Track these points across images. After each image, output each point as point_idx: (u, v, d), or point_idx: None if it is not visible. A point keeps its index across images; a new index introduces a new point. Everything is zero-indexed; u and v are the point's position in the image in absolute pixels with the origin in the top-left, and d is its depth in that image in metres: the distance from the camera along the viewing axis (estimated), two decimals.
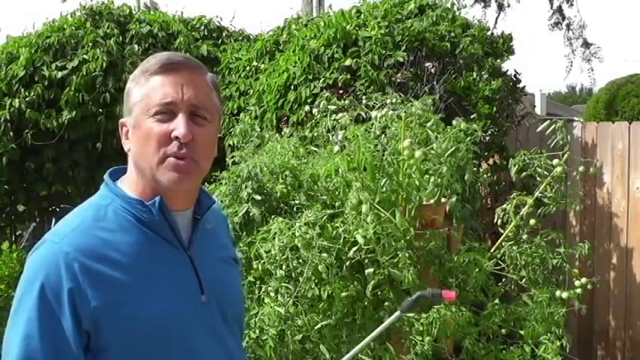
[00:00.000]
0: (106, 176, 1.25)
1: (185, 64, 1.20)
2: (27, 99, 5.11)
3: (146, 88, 1.18)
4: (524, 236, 3.07)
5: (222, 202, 2.96)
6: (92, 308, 1.07)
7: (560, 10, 11.08)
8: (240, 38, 6.21)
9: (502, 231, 3.18)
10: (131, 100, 1.20)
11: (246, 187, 2.85)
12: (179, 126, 1.14)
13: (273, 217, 2.73)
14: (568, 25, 11.05)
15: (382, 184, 2.67)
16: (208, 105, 1.21)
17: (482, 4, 11.14)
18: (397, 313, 2.14)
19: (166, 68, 1.18)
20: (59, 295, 1.07)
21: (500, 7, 11.21)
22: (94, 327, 1.08)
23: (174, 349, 1.14)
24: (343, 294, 2.45)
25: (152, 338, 1.12)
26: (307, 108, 3.88)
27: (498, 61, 4.21)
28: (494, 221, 3.18)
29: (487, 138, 3.74)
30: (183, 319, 1.16)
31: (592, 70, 11.00)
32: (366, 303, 2.57)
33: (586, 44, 10.92)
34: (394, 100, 3.20)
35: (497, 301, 2.88)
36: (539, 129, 3.28)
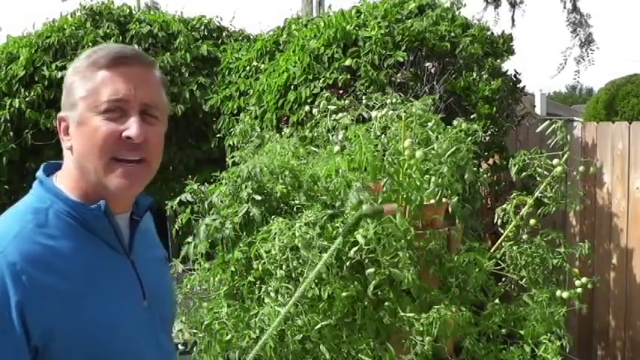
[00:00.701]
0: (40, 173, 1.14)
1: (138, 58, 1.12)
2: (27, 99, 5.11)
3: (93, 83, 1.08)
4: (525, 236, 3.07)
5: (222, 202, 2.96)
6: (42, 322, 0.99)
7: (575, 8, 11.02)
8: (240, 38, 6.21)
9: (502, 231, 3.18)
10: (75, 94, 1.10)
11: (246, 187, 2.85)
12: (131, 126, 1.08)
13: (273, 217, 2.73)
14: (586, 22, 11.01)
15: (383, 184, 2.67)
16: (159, 103, 1.16)
17: (494, 4, 11.12)
18: (338, 240, 2.08)
19: (117, 62, 1.09)
20: (6, 311, 0.97)
21: (513, 5, 11.18)
22: (43, 341, 1.00)
23: (121, 358, 1.10)
24: (343, 294, 2.45)
25: (101, 348, 1.06)
26: (307, 108, 3.89)
27: (498, 61, 4.22)
28: (494, 221, 3.18)
29: (487, 138, 3.74)
30: (129, 326, 1.12)
31: (578, 72, 10.97)
32: (366, 303, 2.57)
33: (587, 43, 10.89)
34: (394, 100, 3.20)
35: (497, 301, 2.88)
36: (539, 129, 3.28)
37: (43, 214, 1.07)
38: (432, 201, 2.86)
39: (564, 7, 11.06)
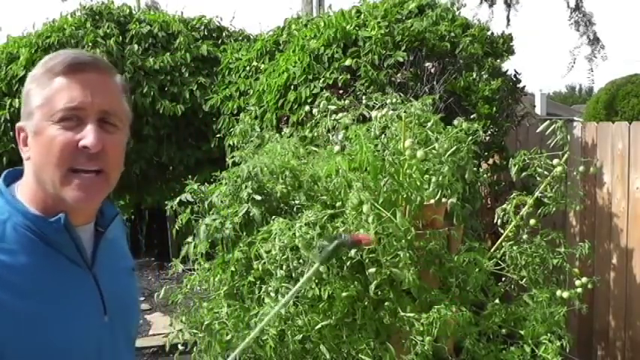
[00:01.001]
0: None
1: (94, 64, 1.07)
2: None
3: (49, 90, 1.04)
4: (525, 236, 3.07)
5: (222, 202, 2.96)
6: None
7: (577, 7, 11.04)
8: (240, 38, 6.22)
9: (502, 231, 3.18)
10: (31, 103, 1.05)
11: (246, 187, 2.85)
12: (88, 134, 1.02)
13: (273, 217, 2.73)
14: (590, 21, 11.02)
15: (383, 184, 2.67)
16: (119, 110, 1.09)
17: (489, 2, 11.14)
18: (316, 265, 2.09)
19: (73, 69, 1.04)
20: None
21: (508, 5, 11.20)
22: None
23: None
24: (343, 294, 2.45)
25: None
26: (307, 108, 3.89)
27: (498, 61, 4.22)
28: (494, 221, 3.18)
29: (487, 138, 3.74)
30: (86, 346, 1.07)
31: (592, 70, 10.98)
32: (366, 303, 2.57)
33: (595, 40, 10.89)
34: (394, 100, 3.20)
35: (497, 301, 2.88)
36: (539, 129, 3.28)
37: (1, 228, 1.02)
38: (432, 201, 2.86)
39: (568, 6, 11.08)
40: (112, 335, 1.14)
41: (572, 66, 11.14)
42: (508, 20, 11.26)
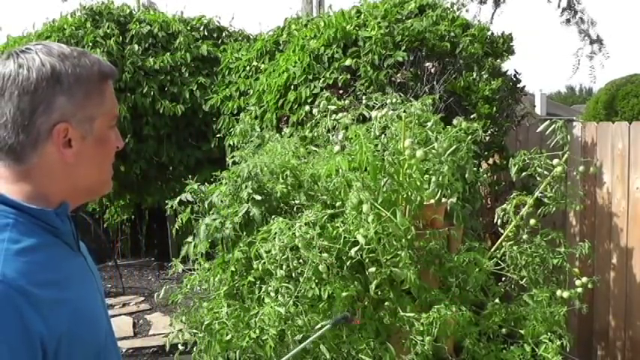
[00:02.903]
0: None
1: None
2: None
3: (107, 97, 1.08)
4: (525, 236, 3.07)
5: (222, 202, 2.96)
6: (54, 334, 0.96)
7: (570, 5, 11.07)
8: (240, 38, 6.22)
9: (502, 231, 3.18)
10: (94, 103, 1.06)
11: (246, 187, 2.85)
12: (119, 138, 1.13)
13: (273, 217, 2.73)
14: (582, 19, 11.05)
15: (383, 183, 2.67)
16: None
17: (479, 0, 11.17)
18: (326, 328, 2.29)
19: (113, 75, 1.11)
20: (28, 337, 0.93)
21: (497, 3, 11.23)
22: (54, 351, 0.97)
23: (105, 352, 1.11)
24: (343, 294, 2.45)
25: (94, 346, 1.07)
26: (307, 108, 3.89)
27: (498, 61, 4.22)
28: (494, 221, 3.18)
29: (487, 138, 3.74)
30: (104, 321, 1.13)
31: (593, 67, 10.97)
32: (366, 303, 2.57)
33: (598, 40, 10.91)
34: (394, 100, 3.20)
35: (497, 301, 2.88)
36: (539, 129, 3.28)
37: (15, 229, 1.01)
38: (432, 201, 2.86)
39: (559, 6, 11.11)
40: (105, 310, 1.19)
41: (577, 68, 11.15)
42: (492, 18, 11.29)
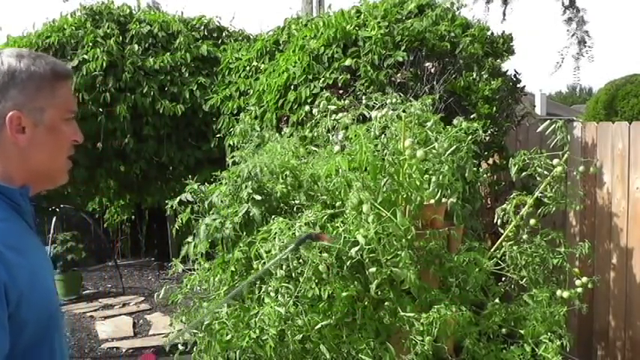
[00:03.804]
0: None
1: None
2: None
3: (62, 93, 1.25)
4: (525, 236, 3.07)
5: (222, 202, 2.96)
6: (15, 294, 1.11)
7: (572, 4, 11.05)
8: (240, 38, 6.22)
9: (502, 231, 3.18)
10: (44, 96, 1.23)
11: (246, 187, 2.85)
12: (77, 132, 1.29)
13: (273, 217, 2.73)
14: (583, 19, 11.03)
15: (383, 183, 2.67)
16: None
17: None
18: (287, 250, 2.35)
19: (70, 75, 1.30)
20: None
21: (505, 1, 11.21)
22: (13, 311, 1.12)
23: (54, 321, 1.25)
24: (343, 294, 2.45)
25: (46, 314, 1.20)
26: (307, 108, 3.89)
27: (498, 61, 4.22)
28: (494, 221, 3.18)
29: (487, 138, 3.74)
30: (55, 293, 1.29)
31: (578, 68, 10.98)
32: (366, 303, 2.57)
33: (583, 41, 10.91)
34: (394, 100, 3.20)
35: (497, 301, 2.88)
36: (539, 129, 3.28)
37: None
38: (432, 201, 2.86)
39: (562, 5, 11.08)
40: (57, 295, 1.35)
41: (560, 65, 11.14)
42: (504, 15, 11.28)
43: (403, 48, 3.98)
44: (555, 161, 3.05)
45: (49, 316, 1.22)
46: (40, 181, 1.28)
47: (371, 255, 2.45)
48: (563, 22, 11.11)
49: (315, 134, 3.48)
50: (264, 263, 2.56)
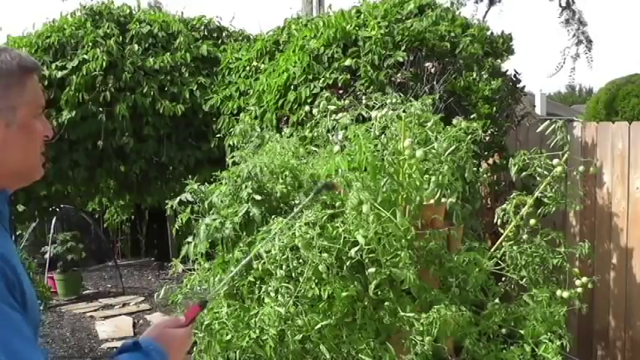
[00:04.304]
0: None
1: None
2: None
3: (32, 85, 1.19)
4: (525, 236, 3.07)
5: (222, 202, 2.96)
6: (24, 298, 1.11)
7: (568, 5, 11.05)
8: (240, 38, 6.21)
9: (502, 231, 3.18)
10: (15, 94, 1.17)
11: (246, 187, 2.85)
12: (47, 127, 1.24)
13: (273, 217, 2.73)
14: (580, 21, 11.03)
15: (383, 183, 2.67)
16: None
17: None
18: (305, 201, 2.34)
19: (37, 68, 1.22)
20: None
21: (492, 2, 11.23)
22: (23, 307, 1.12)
23: (37, 324, 1.22)
24: (343, 294, 2.45)
25: (33, 317, 1.17)
26: (307, 108, 3.89)
27: (498, 61, 4.22)
28: (494, 221, 3.18)
29: (487, 138, 3.74)
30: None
31: (574, 69, 10.98)
32: (366, 303, 2.57)
33: (580, 42, 10.89)
34: (394, 100, 3.20)
35: (497, 301, 2.88)
36: (539, 129, 3.28)
37: None
38: (432, 201, 2.86)
39: (560, 5, 11.08)
40: None
41: (562, 66, 11.12)
42: (484, 16, 11.29)
43: (403, 48, 3.98)
44: (555, 161, 3.05)
45: (37, 323, 1.21)
46: (16, 181, 1.24)
47: (371, 255, 2.46)
48: (560, 23, 11.11)
49: (315, 134, 3.48)
50: (265, 263, 2.56)
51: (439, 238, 2.78)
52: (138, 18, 5.86)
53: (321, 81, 4.02)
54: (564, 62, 11.07)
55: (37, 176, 1.26)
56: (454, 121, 3.05)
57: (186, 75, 5.61)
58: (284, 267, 2.50)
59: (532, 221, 3.08)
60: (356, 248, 2.44)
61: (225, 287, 2.60)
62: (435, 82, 3.86)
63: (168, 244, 8.94)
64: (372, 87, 3.84)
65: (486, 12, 11.25)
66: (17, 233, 7.38)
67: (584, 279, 3.12)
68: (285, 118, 4.16)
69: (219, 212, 2.92)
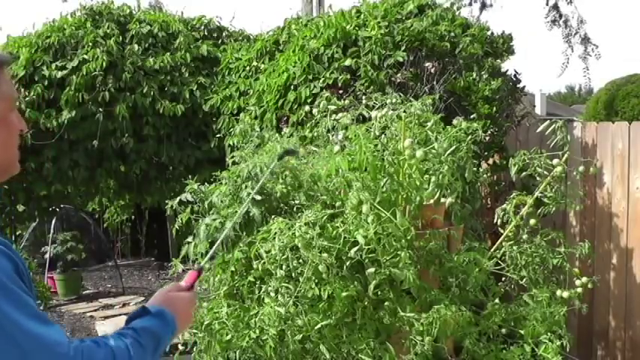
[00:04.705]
0: None
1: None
2: (27, 99, 5.12)
3: (5, 79, 1.18)
4: (525, 236, 3.07)
5: (222, 202, 2.96)
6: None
7: (556, 7, 11.04)
8: (240, 38, 6.21)
9: (502, 231, 3.18)
10: None
11: (246, 187, 2.85)
12: (22, 121, 1.23)
13: (273, 217, 2.73)
14: (566, 22, 11.00)
15: (383, 183, 2.67)
16: None
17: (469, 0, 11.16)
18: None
19: (6, 62, 1.21)
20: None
21: (484, 6, 11.21)
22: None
23: None
24: (343, 294, 2.45)
25: None
26: (307, 108, 3.89)
27: (498, 61, 4.22)
28: (494, 221, 3.18)
29: (487, 138, 3.74)
30: None
31: (587, 69, 10.93)
32: (366, 303, 2.57)
33: (586, 40, 10.86)
34: (394, 100, 3.20)
35: (497, 301, 2.88)
36: (539, 129, 3.28)
37: None
38: (432, 201, 2.86)
39: (547, 4, 11.05)
40: None
41: (566, 66, 11.09)
42: (477, 20, 11.28)
43: (403, 48, 3.98)
44: (555, 161, 3.05)
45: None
46: None
47: (370, 255, 2.46)
48: (547, 24, 11.08)
49: (315, 134, 3.48)
50: (265, 263, 2.56)
51: (439, 238, 2.78)
52: (138, 18, 5.86)
53: (321, 81, 4.02)
54: (568, 62, 11.03)
55: (14, 171, 1.25)
56: (454, 122, 3.05)
57: (186, 75, 5.61)
58: (284, 267, 2.50)
59: (532, 221, 3.08)
60: (356, 248, 2.44)
61: (217, 255, 2.65)
62: (435, 82, 3.86)
63: (168, 244, 8.93)
64: (372, 87, 3.84)
65: (478, 16, 11.23)
66: (17, 233, 7.37)
67: (584, 279, 3.12)
68: (285, 118, 4.16)
69: (219, 212, 2.92)
